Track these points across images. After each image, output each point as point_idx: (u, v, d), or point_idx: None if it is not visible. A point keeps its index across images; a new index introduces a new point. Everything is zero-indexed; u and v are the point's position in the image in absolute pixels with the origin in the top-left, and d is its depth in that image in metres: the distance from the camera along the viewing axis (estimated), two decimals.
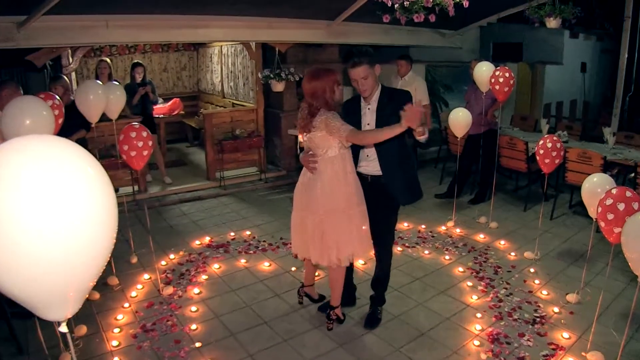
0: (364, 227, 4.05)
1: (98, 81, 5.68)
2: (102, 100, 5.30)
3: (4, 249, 1.43)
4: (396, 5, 4.51)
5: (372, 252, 4.34)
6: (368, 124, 3.96)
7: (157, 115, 9.13)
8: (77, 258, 1.57)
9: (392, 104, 3.76)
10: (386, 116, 3.78)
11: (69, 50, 7.04)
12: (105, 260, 1.70)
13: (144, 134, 4.72)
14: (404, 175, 4.03)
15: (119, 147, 4.73)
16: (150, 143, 4.74)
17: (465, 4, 4.42)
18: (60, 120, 4.64)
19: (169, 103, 10.19)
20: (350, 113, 4.00)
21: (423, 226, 6.60)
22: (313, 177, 3.97)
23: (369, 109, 3.96)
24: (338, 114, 3.83)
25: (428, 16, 4.49)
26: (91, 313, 4.53)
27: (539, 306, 4.63)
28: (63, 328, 1.71)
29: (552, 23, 6.47)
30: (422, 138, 3.52)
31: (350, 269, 4.49)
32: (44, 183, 1.47)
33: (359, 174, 4.07)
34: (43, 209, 1.46)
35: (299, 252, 4.26)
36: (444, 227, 6.56)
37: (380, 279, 4.41)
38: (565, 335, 4.14)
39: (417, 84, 7.98)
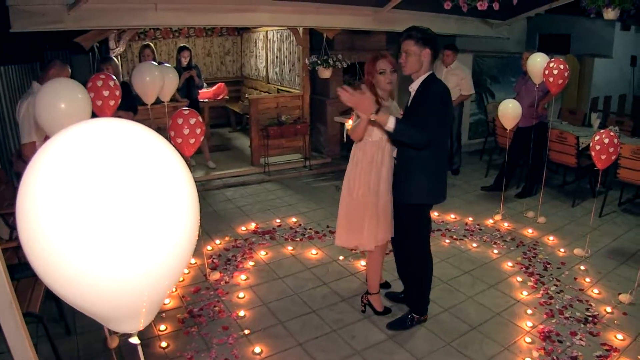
0: (381, 218, 4.02)
1: (154, 62, 5.68)
2: (158, 81, 5.30)
3: (75, 265, 1.28)
4: None
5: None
6: (407, 106, 3.83)
7: (201, 100, 9.16)
8: (156, 275, 1.42)
9: (423, 95, 3.64)
10: (412, 106, 3.72)
11: (115, 34, 7.08)
12: (182, 271, 1.56)
13: (192, 120, 4.63)
14: (415, 172, 3.75)
15: (168, 133, 4.66)
16: (198, 130, 4.64)
17: None
18: (118, 101, 4.66)
19: (214, 87, 10.21)
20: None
21: (470, 218, 6.51)
22: (357, 158, 4.00)
23: (411, 89, 3.79)
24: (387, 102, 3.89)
25: (492, 4, 4.39)
26: None
27: (590, 305, 4.53)
28: (135, 340, 1.68)
29: (610, 14, 6.30)
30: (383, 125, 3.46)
31: None
32: (127, 190, 1.29)
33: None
34: (119, 217, 1.27)
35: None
36: (491, 221, 6.47)
37: (411, 277, 4.29)
38: (619, 336, 4.03)
39: (463, 74, 7.95)
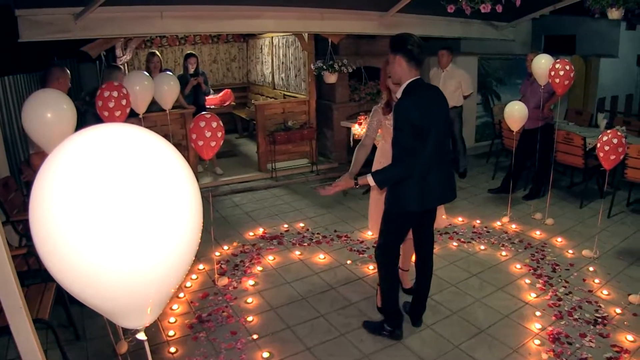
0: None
1: (144, 72, 5.71)
2: (148, 90, 5.32)
3: (83, 261, 1.35)
4: None
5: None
6: None
7: (208, 106, 9.21)
8: (160, 269, 1.48)
9: (394, 112, 3.61)
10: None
11: (122, 42, 7.13)
12: (189, 265, 1.60)
13: (214, 124, 4.67)
14: None
15: (189, 135, 4.69)
16: (219, 134, 4.69)
17: None
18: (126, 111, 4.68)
19: (220, 94, 10.26)
20: None
21: (478, 221, 6.51)
22: (378, 155, 4.30)
23: (395, 98, 3.77)
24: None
25: (495, 6, 4.39)
26: None
27: (600, 306, 4.51)
28: (141, 336, 1.69)
29: (615, 14, 6.30)
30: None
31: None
32: (128, 187, 1.37)
33: None
34: (124, 215, 1.35)
35: None
36: (499, 223, 6.46)
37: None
38: (630, 337, 4.02)
39: (461, 77, 7.97)
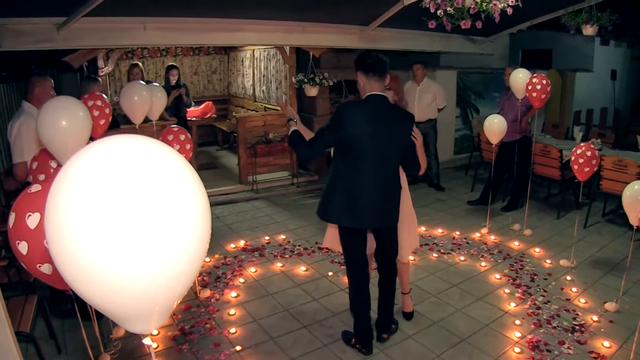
0: None
1: (142, 82, 5.72)
2: (147, 101, 5.33)
3: (94, 265, 1.38)
4: (439, 12, 4.49)
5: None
6: None
7: (189, 118, 9.21)
8: (170, 275, 1.51)
9: None
10: None
11: (104, 53, 7.12)
12: (196, 274, 1.65)
13: (182, 137, 4.71)
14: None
15: None
16: (188, 146, 4.71)
17: (509, 11, 4.41)
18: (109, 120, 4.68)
19: (202, 106, 10.25)
20: None
21: (457, 233, 6.58)
22: None
23: None
24: None
25: (475, 23, 4.48)
26: None
27: (577, 314, 4.60)
28: (147, 340, 1.72)
29: (589, 30, 6.44)
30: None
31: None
32: (138, 192, 1.40)
33: None
34: (135, 223, 1.38)
35: None
36: (478, 234, 6.54)
37: None
38: (606, 344, 4.10)
39: (437, 91, 8.10)
